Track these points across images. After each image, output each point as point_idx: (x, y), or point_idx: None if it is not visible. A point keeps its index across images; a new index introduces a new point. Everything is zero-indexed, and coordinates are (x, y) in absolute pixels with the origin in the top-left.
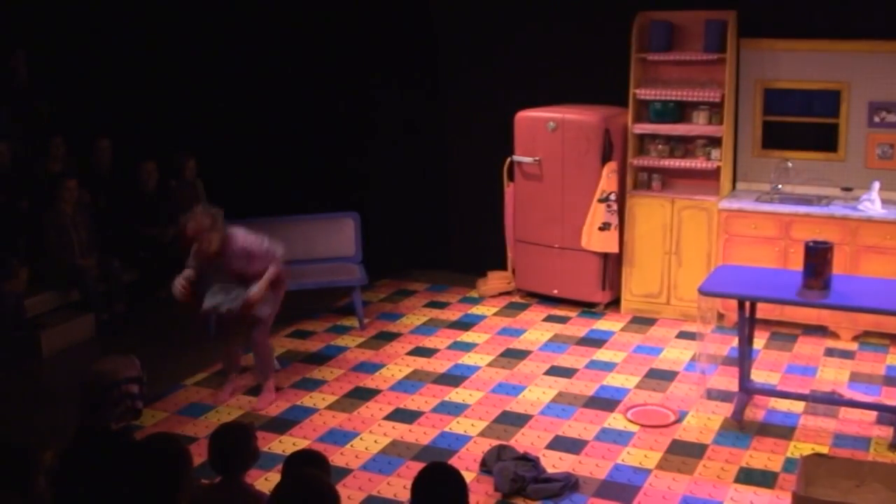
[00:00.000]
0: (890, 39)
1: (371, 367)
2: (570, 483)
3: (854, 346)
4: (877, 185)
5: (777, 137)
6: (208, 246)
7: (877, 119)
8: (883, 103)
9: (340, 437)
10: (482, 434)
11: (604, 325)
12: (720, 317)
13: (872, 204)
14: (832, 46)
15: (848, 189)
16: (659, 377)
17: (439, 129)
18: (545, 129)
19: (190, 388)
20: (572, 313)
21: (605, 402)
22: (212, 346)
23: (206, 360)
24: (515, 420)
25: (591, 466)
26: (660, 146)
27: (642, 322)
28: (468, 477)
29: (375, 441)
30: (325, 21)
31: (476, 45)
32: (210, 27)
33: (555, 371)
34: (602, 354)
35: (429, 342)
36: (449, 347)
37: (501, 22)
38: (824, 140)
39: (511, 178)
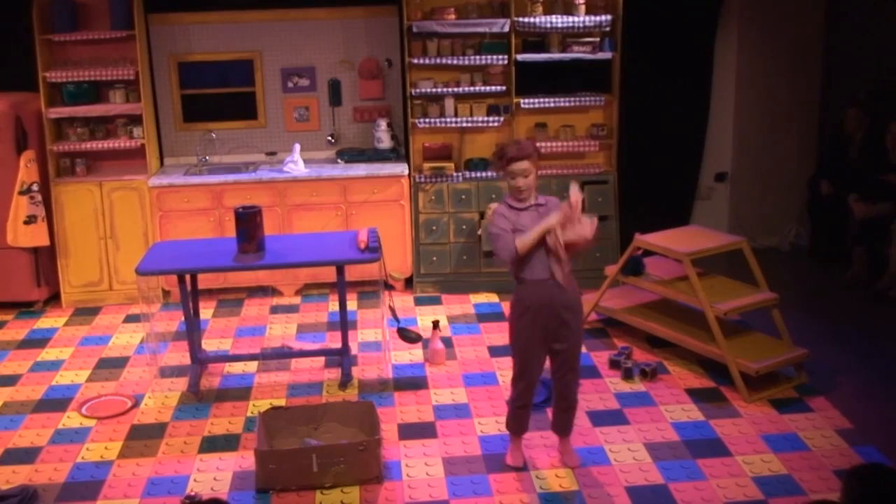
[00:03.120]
0: (295, 8)
1: None
2: (26, 495)
3: (298, 300)
4: (297, 146)
5: (198, 110)
6: None
7: (290, 84)
8: (294, 69)
9: None
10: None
11: (45, 322)
12: (166, 294)
13: (296, 165)
14: (241, 17)
15: (272, 153)
16: (111, 366)
17: None
18: None
19: None
20: (8, 317)
21: (56, 402)
22: None
23: None
24: None
25: (49, 472)
26: (79, 129)
27: (87, 313)
28: None
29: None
30: None
31: None
32: None
33: None
34: (47, 354)
35: None
36: None
37: None
38: (244, 109)
39: None
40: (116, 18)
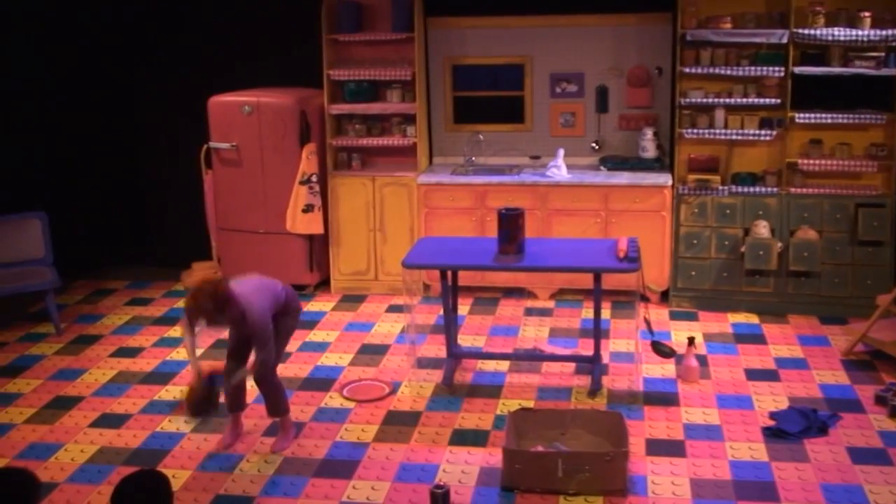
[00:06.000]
0: (566, 14)
1: (72, 374)
2: None
3: (551, 304)
4: (561, 152)
5: (468, 112)
6: None
7: (558, 90)
8: (563, 74)
9: (43, 450)
10: (196, 430)
11: (315, 306)
12: (426, 287)
13: (559, 170)
14: (514, 23)
15: (536, 157)
16: (372, 352)
17: (129, 118)
18: (240, 113)
19: None
20: None
21: (320, 382)
22: None
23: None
24: None
25: (310, 448)
26: (357, 126)
27: (352, 300)
28: (183, 475)
29: (82, 451)
30: None
31: (164, 29)
32: None
33: None
34: (315, 335)
35: (133, 341)
36: (155, 345)
37: (188, 4)
38: (512, 112)
39: (209, 165)
40: (397, 21)
